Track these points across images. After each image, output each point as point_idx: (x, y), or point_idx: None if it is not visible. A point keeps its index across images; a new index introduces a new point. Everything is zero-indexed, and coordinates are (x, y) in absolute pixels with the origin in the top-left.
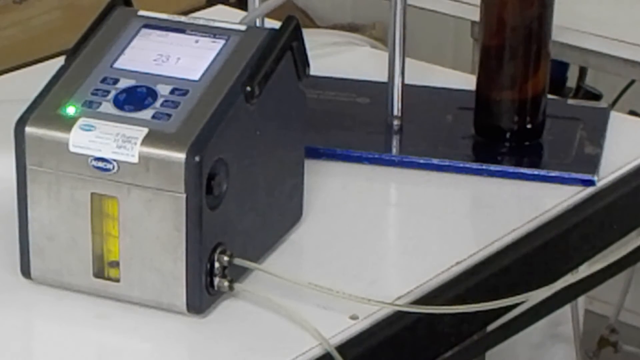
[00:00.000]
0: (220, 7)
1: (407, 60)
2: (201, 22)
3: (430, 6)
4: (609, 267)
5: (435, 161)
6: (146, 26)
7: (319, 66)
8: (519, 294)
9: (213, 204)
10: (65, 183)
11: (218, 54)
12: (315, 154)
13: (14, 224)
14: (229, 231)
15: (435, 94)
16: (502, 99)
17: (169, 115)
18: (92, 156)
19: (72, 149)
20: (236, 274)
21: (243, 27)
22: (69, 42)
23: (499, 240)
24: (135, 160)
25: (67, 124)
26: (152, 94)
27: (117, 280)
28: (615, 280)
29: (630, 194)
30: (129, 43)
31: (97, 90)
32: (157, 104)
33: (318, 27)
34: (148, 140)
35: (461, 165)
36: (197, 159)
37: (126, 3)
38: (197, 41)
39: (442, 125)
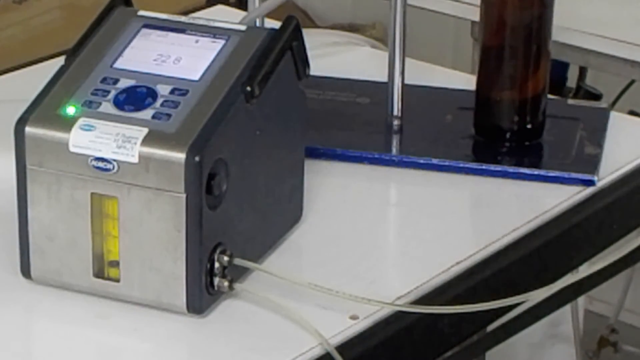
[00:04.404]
0: (220, 7)
1: (407, 60)
2: (201, 22)
3: (430, 6)
4: (609, 267)
5: (435, 161)
6: (146, 26)
7: (319, 66)
8: (519, 294)
9: (213, 204)
10: (65, 183)
11: (218, 54)
12: (315, 154)
13: (14, 224)
14: (229, 231)
15: (435, 94)
16: (502, 99)
17: (169, 115)
18: (92, 156)
19: (72, 149)
20: (236, 274)
21: (243, 27)
22: (69, 42)
23: (499, 240)
24: (135, 160)
25: (67, 124)
26: (152, 94)
27: (117, 280)
28: (615, 280)
29: (630, 194)
30: (129, 43)
31: (97, 90)
32: (157, 104)
33: (318, 27)
34: (148, 140)
35: (461, 165)
36: (197, 159)
37: (126, 3)
38: (197, 41)
39: (442, 125)
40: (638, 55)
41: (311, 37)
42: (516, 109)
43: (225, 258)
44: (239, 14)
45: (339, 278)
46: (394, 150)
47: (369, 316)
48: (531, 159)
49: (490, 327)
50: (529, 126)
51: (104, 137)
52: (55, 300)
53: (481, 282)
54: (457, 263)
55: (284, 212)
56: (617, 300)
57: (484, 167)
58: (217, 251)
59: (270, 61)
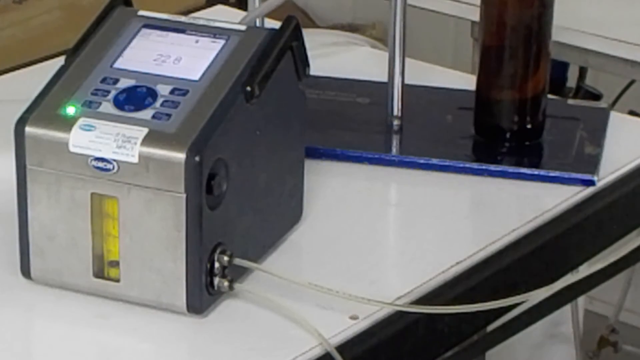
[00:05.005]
0: (220, 7)
1: (407, 60)
2: (201, 22)
3: (430, 6)
4: (609, 267)
5: (435, 161)
6: (146, 26)
7: (319, 66)
8: (519, 294)
9: (213, 204)
10: (65, 183)
11: (218, 54)
12: (315, 154)
13: (14, 224)
14: (229, 231)
15: (435, 94)
16: (502, 99)
17: (169, 115)
18: (92, 156)
19: (72, 149)
20: (236, 274)
21: (243, 27)
22: (69, 42)
23: (499, 240)
24: (135, 160)
25: (67, 124)
26: (152, 94)
27: (117, 280)
28: (615, 280)
29: (630, 194)
30: (129, 43)
31: (97, 90)
32: (157, 104)
33: (318, 27)
34: (148, 140)
35: (461, 165)
36: (197, 159)
37: (126, 3)
38: (197, 41)
39: (442, 125)
40: (638, 55)
41: (311, 37)
42: (516, 109)
43: (225, 258)
44: (239, 14)
45: (339, 278)
46: (394, 150)
47: (369, 316)
48: (531, 159)
49: (490, 327)
50: (529, 126)
51: (104, 137)
52: (55, 300)
53: (481, 282)
54: (457, 263)
55: (284, 212)
56: (617, 300)
57: (484, 167)
58: (217, 251)
59: (270, 61)
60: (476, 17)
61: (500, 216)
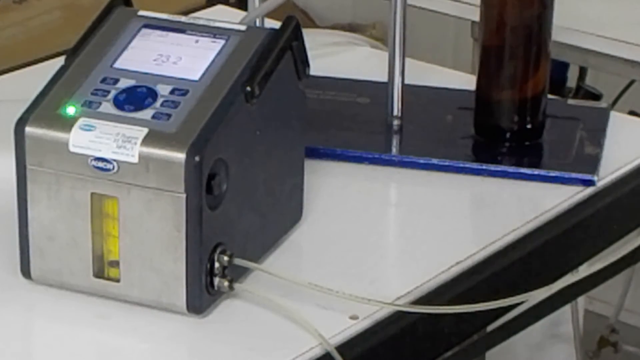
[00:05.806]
0: (220, 7)
1: (407, 60)
2: (201, 22)
3: (430, 6)
4: (609, 267)
5: (435, 161)
6: (146, 26)
7: (319, 66)
8: (519, 294)
9: (213, 204)
10: (65, 183)
11: (218, 54)
12: (315, 154)
13: (14, 224)
14: (229, 231)
15: (435, 94)
16: (502, 99)
17: (169, 115)
18: (92, 156)
19: (72, 149)
20: (236, 274)
21: (243, 27)
22: (69, 42)
23: (499, 240)
24: (135, 160)
25: (67, 124)
26: (152, 94)
27: (117, 280)
28: (615, 280)
29: (630, 194)
30: (129, 43)
31: (97, 90)
32: (157, 104)
33: (318, 27)
34: (148, 140)
35: (461, 165)
36: (197, 159)
37: (126, 3)
38: (197, 41)
39: (442, 125)
40: (638, 55)
41: (311, 37)
42: (516, 109)
43: (225, 258)
44: (239, 14)
45: (339, 278)
46: (394, 150)
47: (369, 316)
48: (531, 159)
49: (490, 327)
50: (529, 126)
51: (104, 137)
52: (55, 300)
53: (481, 282)
54: (457, 263)
55: (284, 212)
56: (617, 300)
57: (484, 167)
58: (217, 251)
59: (270, 61)
60: (476, 17)
61: (500, 216)
